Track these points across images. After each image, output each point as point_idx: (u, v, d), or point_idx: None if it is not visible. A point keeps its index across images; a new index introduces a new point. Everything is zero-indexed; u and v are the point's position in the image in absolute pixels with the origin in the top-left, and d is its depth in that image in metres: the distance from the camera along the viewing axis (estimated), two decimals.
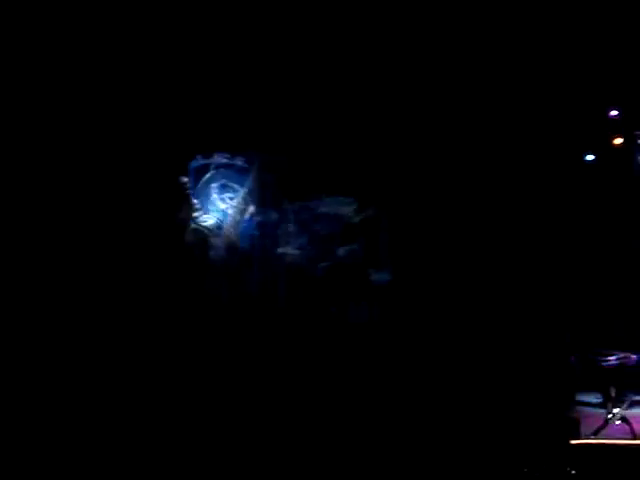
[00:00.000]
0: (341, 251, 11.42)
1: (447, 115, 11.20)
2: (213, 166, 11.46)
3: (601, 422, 10.29)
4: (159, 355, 10.82)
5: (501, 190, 11.17)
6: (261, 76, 11.19)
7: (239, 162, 11.46)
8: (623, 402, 10.49)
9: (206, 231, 11.44)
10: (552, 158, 11.12)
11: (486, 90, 11.13)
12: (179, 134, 11.18)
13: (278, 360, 10.98)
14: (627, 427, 10.19)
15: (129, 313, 10.88)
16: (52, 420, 10.38)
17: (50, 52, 10.98)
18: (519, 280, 11.02)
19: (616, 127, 11.19)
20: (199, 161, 11.42)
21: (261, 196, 11.49)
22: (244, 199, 11.51)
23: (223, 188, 11.50)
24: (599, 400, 10.65)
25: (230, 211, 11.48)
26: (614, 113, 11.16)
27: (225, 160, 11.45)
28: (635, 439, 10.07)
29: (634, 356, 10.63)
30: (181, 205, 11.37)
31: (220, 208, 11.49)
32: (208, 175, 11.45)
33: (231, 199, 11.50)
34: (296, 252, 11.40)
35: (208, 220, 11.46)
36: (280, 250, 11.42)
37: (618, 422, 10.29)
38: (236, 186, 11.51)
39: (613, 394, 10.53)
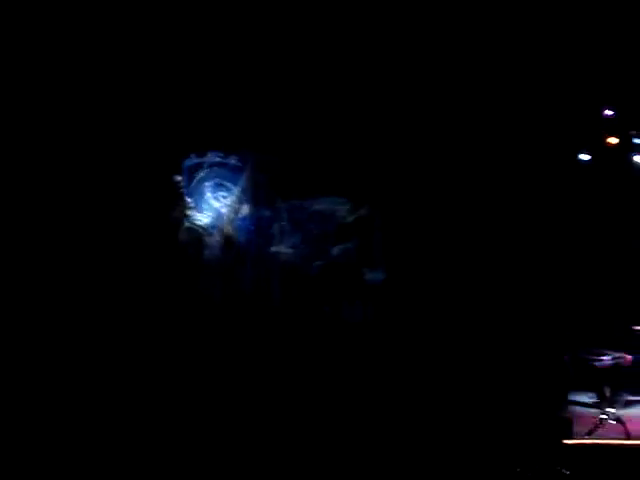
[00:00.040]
0: (335, 250, 11.41)
1: (442, 114, 11.19)
2: (207, 165, 11.45)
3: (595, 422, 10.29)
4: (152, 354, 10.81)
5: (495, 190, 11.16)
6: (255, 75, 11.18)
7: (233, 161, 11.45)
8: (617, 402, 10.50)
9: (200, 230, 11.43)
10: (547, 158, 11.11)
11: (480, 90, 11.12)
12: (173, 132, 11.16)
13: (272, 359, 10.96)
14: (621, 427, 10.20)
15: (122, 312, 10.87)
16: (45, 418, 10.38)
17: (44, 51, 10.96)
18: (513, 280, 11.01)
19: (611, 127, 11.18)
20: (193, 160, 11.40)
21: (255, 195, 11.48)
22: (238, 198, 11.49)
23: (217, 187, 11.49)
24: (593, 400, 10.66)
25: (224, 210, 11.47)
26: (609, 113, 11.16)
27: (219, 159, 11.44)
28: (629, 439, 10.08)
29: (629, 356, 10.63)
30: (175, 204, 11.36)
31: (214, 207, 11.48)
32: (202, 174, 11.44)
33: (225, 198, 11.49)
34: (289, 251, 11.38)
35: (202, 219, 11.45)
36: (274, 249, 11.41)
37: (612, 422, 10.30)
38: (230, 185, 11.50)
39: (607, 394, 10.54)
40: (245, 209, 11.50)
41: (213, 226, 11.45)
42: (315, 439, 10.38)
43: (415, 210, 11.23)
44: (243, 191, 11.49)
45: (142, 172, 11.07)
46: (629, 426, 10.22)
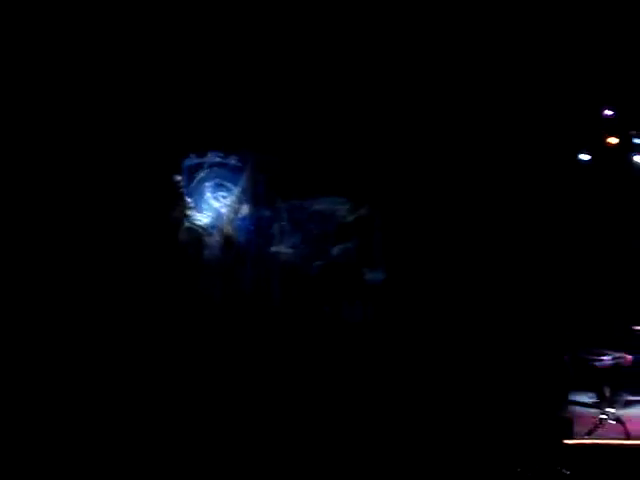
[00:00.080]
0: (335, 250, 11.41)
1: (441, 114, 11.19)
2: (207, 165, 11.44)
3: (595, 422, 10.29)
4: (153, 353, 10.81)
5: (495, 189, 11.16)
6: (255, 75, 11.18)
7: (233, 161, 11.45)
8: (617, 402, 10.49)
9: (200, 230, 11.43)
10: (547, 158, 11.10)
11: (480, 90, 11.12)
12: (173, 132, 11.17)
13: (272, 359, 10.96)
14: (621, 427, 10.20)
15: (122, 312, 10.86)
16: (45, 418, 10.37)
17: (44, 51, 10.96)
18: (513, 280, 11.01)
19: (611, 127, 11.18)
20: (193, 160, 11.40)
21: (255, 195, 11.48)
22: (238, 198, 11.49)
23: (217, 187, 11.49)
24: (593, 400, 10.65)
25: (224, 210, 11.47)
26: (609, 113, 11.16)
27: (219, 159, 11.44)
28: (629, 439, 10.08)
29: (629, 356, 10.63)
30: (175, 204, 11.36)
31: (214, 207, 11.48)
32: (202, 174, 11.44)
33: (225, 198, 11.49)
34: (289, 251, 11.38)
35: (202, 219, 11.45)
36: (274, 249, 11.41)
37: (612, 422, 10.29)
38: (230, 185, 11.50)
39: (607, 394, 10.53)
40: (245, 209, 11.50)
41: (213, 226, 11.45)
42: (315, 439, 10.38)
43: (415, 210, 11.22)
44: (243, 191, 11.49)
45: (142, 172, 11.07)
46: (629, 426, 10.21)
